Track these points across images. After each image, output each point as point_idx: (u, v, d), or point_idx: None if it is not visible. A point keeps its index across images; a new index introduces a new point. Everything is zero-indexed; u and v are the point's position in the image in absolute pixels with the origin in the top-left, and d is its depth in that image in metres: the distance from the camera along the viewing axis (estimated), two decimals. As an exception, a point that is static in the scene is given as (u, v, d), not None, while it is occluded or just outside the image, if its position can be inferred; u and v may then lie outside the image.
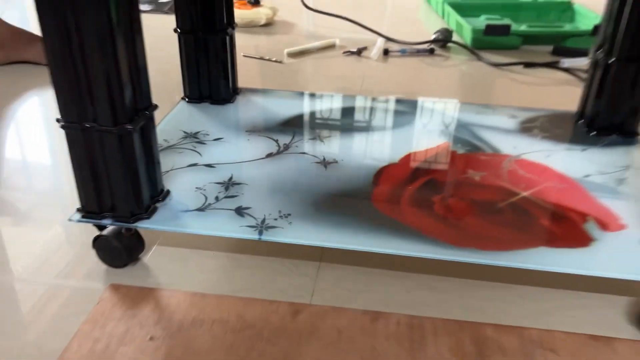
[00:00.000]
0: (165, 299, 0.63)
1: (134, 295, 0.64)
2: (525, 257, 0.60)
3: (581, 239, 0.62)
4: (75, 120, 0.57)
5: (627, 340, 0.59)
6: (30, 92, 1.20)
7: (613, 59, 0.80)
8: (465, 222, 0.65)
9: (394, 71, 1.33)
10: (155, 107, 0.62)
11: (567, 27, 1.54)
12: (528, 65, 1.35)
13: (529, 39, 1.49)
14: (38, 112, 1.13)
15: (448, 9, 1.66)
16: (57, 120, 0.58)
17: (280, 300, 0.64)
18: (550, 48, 1.46)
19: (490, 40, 1.45)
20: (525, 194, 0.70)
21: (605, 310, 0.64)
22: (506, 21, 1.54)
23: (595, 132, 0.85)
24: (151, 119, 0.62)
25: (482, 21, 1.57)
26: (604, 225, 0.65)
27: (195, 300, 0.63)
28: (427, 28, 1.65)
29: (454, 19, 1.60)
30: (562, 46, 1.44)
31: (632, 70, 0.80)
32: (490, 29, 1.44)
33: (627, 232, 0.64)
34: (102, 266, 0.69)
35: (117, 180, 0.60)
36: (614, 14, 0.79)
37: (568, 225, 0.65)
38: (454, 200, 0.69)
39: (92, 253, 0.68)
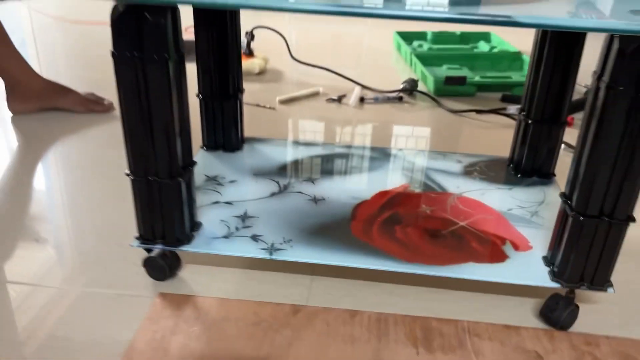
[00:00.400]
0: (201, 303, 0.86)
1: (178, 300, 0.87)
2: (459, 270, 0.84)
3: (499, 257, 0.88)
4: (142, 175, 0.80)
5: (530, 328, 0.84)
6: (65, 137, 1.42)
7: (530, 121, 1.06)
8: (417, 244, 0.90)
9: (368, 117, 1.59)
10: (195, 163, 0.86)
11: (514, 77, 1.82)
12: (479, 112, 1.62)
13: (482, 87, 1.77)
14: (73, 155, 1.35)
15: (414, 59, 1.93)
16: (127, 174, 0.81)
17: (285, 303, 0.87)
18: (499, 95, 1.74)
19: (449, 89, 1.73)
20: (462, 223, 0.95)
21: (519, 308, 0.89)
22: (464, 72, 1.82)
23: (520, 174, 1.11)
24: (192, 173, 0.85)
25: (444, 70, 1.85)
26: (516, 247, 0.90)
27: (222, 303, 0.86)
28: (397, 76, 1.92)
29: (419, 69, 1.88)
30: (509, 94, 1.72)
31: (545, 128, 1.06)
32: (449, 80, 1.72)
33: (533, 252, 0.89)
34: (150, 280, 0.92)
35: (169, 216, 0.84)
36: (531, 84, 1.06)
37: (491, 247, 0.90)
38: (410, 229, 0.94)
39: (142, 270, 0.91)
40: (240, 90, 1.12)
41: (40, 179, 1.24)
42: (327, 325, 0.83)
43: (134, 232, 0.87)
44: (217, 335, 0.80)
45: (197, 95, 1.11)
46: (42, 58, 2.04)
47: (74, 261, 0.97)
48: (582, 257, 0.80)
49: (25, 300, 0.87)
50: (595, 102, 0.73)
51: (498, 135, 1.50)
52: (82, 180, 1.22)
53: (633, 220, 0.77)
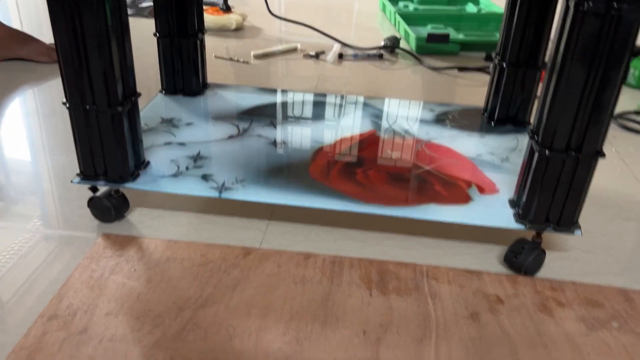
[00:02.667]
0: (146, 244, 0.82)
1: (121, 241, 0.82)
2: (419, 211, 0.80)
3: (463, 199, 0.83)
4: (78, 103, 0.75)
5: (493, 273, 0.80)
6: (25, 86, 1.36)
7: (505, 65, 1.01)
8: (378, 187, 0.85)
9: (346, 73, 1.53)
10: (139, 94, 0.80)
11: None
12: (462, 69, 1.56)
13: (467, 46, 1.70)
14: (33, 103, 1.29)
15: (398, 18, 1.86)
16: (63, 103, 0.76)
17: (236, 245, 0.83)
18: (484, 54, 1.68)
19: (432, 47, 1.66)
20: (427, 167, 0.90)
21: (483, 255, 0.85)
22: (448, 30, 1.75)
23: (494, 123, 1.06)
24: (136, 105, 0.80)
25: (428, 30, 1.78)
26: (482, 190, 0.85)
27: (169, 244, 0.82)
28: (380, 35, 1.85)
29: (402, 28, 1.81)
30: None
31: (520, 73, 1.01)
32: (431, 37, 1.65)
33: (499, 195, 0.84)
34: (95, 222, 0.87)
35: (110, 150, 0.78)
36: (505, 28, 1.00)
37: (455, 190, 0.85)
38: (372, 172, 0.89)
39: (88, 212, 0.86)
40: (201, 30, 1.06)
41: (-4, 127, 1.18)
42: (278, 267, 0.78)
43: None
44: (159, 275, 0.76)
45: (154, 34, 1.04)
46: (21, 6, 1.97)
47: (20, 201, 0.92)
48: (548, 196, 0.75)
49: (-39, 241, 0.83)
50: (564, 24, 0.68)
51: (480, 93, 1.44)
52: (40, 128, 1.17)
53: (602, 155, 0.72)
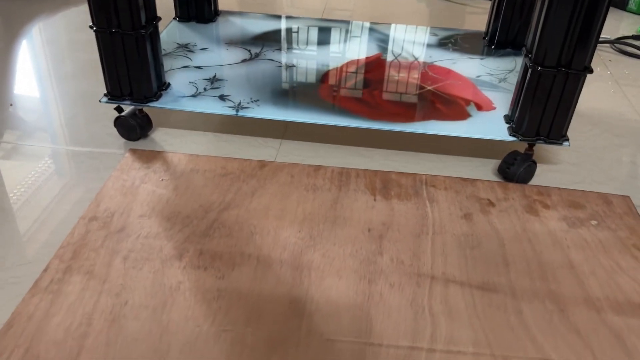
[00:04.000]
0: (170, 157, 0.90)
1: (148, 155, 0.90)
2: (421, 126, 0.87)
3: (462, 115, 0.89)
4: (105, 27, 0.81)
5: (486, 181, 0.88)
6: (44, 16, 1.41)
7: (506, -12, 1.05)
8: (383, 105, 0.91)
9: (351, 6, 1.56)
10: (159, 18, 0.86)
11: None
12: (466, -4, 1.59)
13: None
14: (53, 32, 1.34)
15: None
16: (91, 27, 0.82)
17: (252, 159, 0.90)
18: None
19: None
20: (429, 87, 0.97)
21: (479, 168, 0.92)
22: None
23: (494, 46, 1.10)
24: (157, 28, 0.86)
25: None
26: (480, 107, 0.92)
27: (191, 158, 0.90)
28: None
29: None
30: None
31: (520, -3, 1.05)
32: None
33: (496, 112, 0.91)
34: (122, 140, 0.94)
35: (134, 71, 0.85)
36: (508, -48, 1.03)
37: (455, 107, 0.92)
38: (377, 92, 0.95)
39: (114, 131, 0.94)
40: (212, -42, 1.10)
41: (18, 55, 1.24)
42: (291, 177, 0.86)
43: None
44: (184, 184, 0.84)
45: (168, -38, 1.08)
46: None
47: (48, 123, 0.99)
48: (539, 110, 0.82)
49: (7, 158, 0.91)
50: (556, -56, 0.72)
51: (482, 20, 1.47)
52: (59, 56, 1.23)
53: (590, 71, 0.78)
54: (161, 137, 0.96)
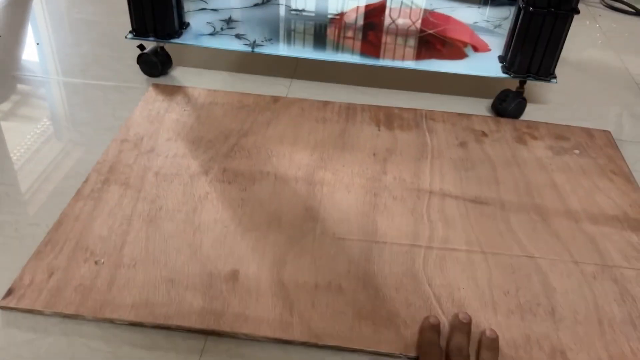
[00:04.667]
0: (190, 92, 0.97)
1: (170, 89, 0.97)
2: (423, 64, 0.94)
3: (459, 55, 0.97)
4: (132, -36, 0.87)
5: (480, 115, 0.96)
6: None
7: (503, -60, 1.11)
8: (388, 46, 0.99)
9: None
10: (181, -40, 0.92)
11: None
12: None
13: None
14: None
15: None
16: (119, -34, 0.88)
17: (266, 95, 0.98)
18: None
19: None
20: (430, 31, 1.04)
21: (474, 104, 1.00)
22: None
23: (490, -4, 1.18)
24: (178, -31, 0.92)
25: None
26: (476, 49, 0.99)
27: (210, 93, 0.97)
28: None
29: None
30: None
31: (516, -51, 1.11)
32: None
33: (491, 53, 0.99)
34: (144, 76, 1.02)
35: (159, 9, 0.92)
36: None
37: (453, 49, 0.99)
38: (382, 34, 1.02)
39: (137, 68, 1.01)
40: None
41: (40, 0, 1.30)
42: (302, 110, 0.94)
43: (128, 40, 0.96)
44: (205, 114, 0.92)
45: None
46: None
47: (74, 61, 1.06)
48: (530, 49, 0.89)
49: (36, 89, 0.98)
50: None
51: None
52: (81, 0, 1.29)
53: (577, 12, 0.86)
54: (180, 75, 1.03)
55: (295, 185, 0.78)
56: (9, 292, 0.62)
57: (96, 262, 0.65)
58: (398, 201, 0.77)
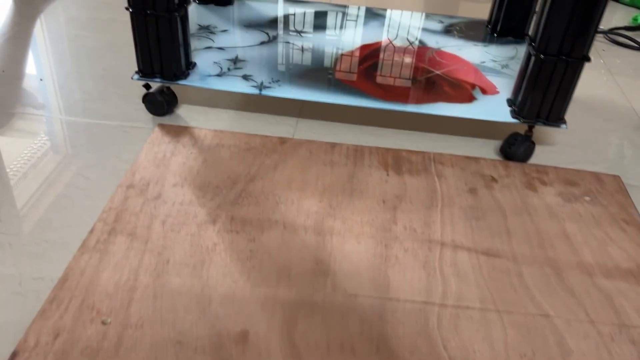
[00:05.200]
0: (197, 132, 0.96)
1: (176, 129, 0.96)
2: (430, 108, 0.94)
3: (468, 98, 0.97)
4: (140, 8, 0.86)
5: (489, 159, 0.95)
6: (58, -5, 1.45)
7: (510, -20, 1.11)
8: (395, 87, 0.98)
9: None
10: (190, 1, 0.91)
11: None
12: (468, -15, 1.65)
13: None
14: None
15: None
16: (127, 8, 0.87)
17: (273, 136, 0.97)
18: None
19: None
20: (437, 72, 1.03)
21: (483, 147, 1.00)
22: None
23: (496, 34, 1.17)
24: (187, 10, 0.91)
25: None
26: (484, 91, 0.99)
27: (216, 134, 0.96)
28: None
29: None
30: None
31: (523, -12, 1.12)
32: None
33: (499, 95, 0.98)
34: (150, 115, 1.00)
35: (166, 51, 0.91)
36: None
37: (461, 91, 0.99)
38: (389, 75, 1.02)
39: (142, 107, 1.00)
40: (231, -57, 1.15)
41: (42, 32, 1.28)
42: (310, 153, 0.93)
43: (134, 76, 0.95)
44: (212, 157, 0.91)
45: (190, -53, 1.13)
46: None
47: (77, 98, 1.05)
48: (540, 95, 0.89)
49: (38, 128, 0.96)
50: (562, -58, 0.79)
51: (484, 9, 1.54)
52: (79, 35, 1.28)
53: (588, 60, 0.86)
54: (186, 114, 1.02)
55: (304, 235, 0.77)
56: (14, 355, 0.60)
57: (103, 322, 0.63)
58: (409, 253, 0.76)
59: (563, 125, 0.92)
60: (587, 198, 0.88)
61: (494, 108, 0.94)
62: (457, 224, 0.81)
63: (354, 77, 1.00)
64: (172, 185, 0.84)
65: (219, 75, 0.97)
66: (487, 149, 0.99)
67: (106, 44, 1.24)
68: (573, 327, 0.67)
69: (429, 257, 0.75)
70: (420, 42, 1.13)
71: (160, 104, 0.98)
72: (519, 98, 0.91)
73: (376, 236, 0.78)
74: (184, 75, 0.95)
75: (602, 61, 1.32)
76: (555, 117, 0.91)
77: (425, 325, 0.66)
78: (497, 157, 0.97)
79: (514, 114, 0.93)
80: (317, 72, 1.01)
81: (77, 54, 1.20)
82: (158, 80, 0.94)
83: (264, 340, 0.63)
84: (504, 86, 1.00)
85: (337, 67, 1.02)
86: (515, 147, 0.94)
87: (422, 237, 0.78)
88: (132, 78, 0.94)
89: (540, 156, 0.98)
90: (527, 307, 0.69)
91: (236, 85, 0.95)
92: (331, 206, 0.82)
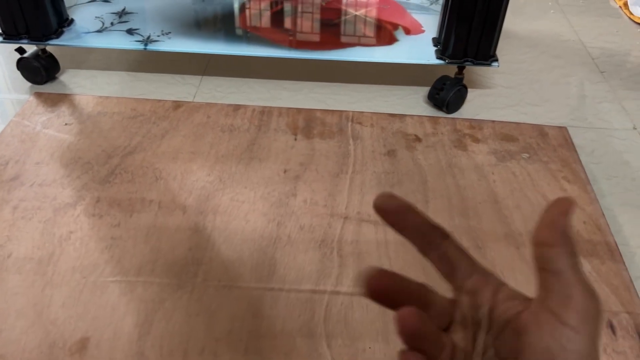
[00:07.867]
0: (77, 100, 0.83)
1: (53, 98, 0.83)
2: (343, 53, 0.80)
3: (389, 40, 0.83)
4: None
5: (416, 116, 0.82)
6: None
7: None
8: (307, 33, 0.85)
9: None
10: (50, -56, 0.77)
11: None
12: None
13: None
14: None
15: None
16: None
17: (167, 99, 0.84)
18: None
19: None
20: (356, 13, 0.90)
21: (410, 96, 0.87)
22: None
23: (434, -29, 1.03)
24: (48, -45, 0.77)
25: None
26: (408, 31, 0.85)
27: (100, 100, 0.83)
28: None
29: None
30: None
31: None
32: None
33: (424, 35, 0.85)
34: (28, 84, 0.87)
35: (28, 7, 0.77)
36: None
37: (381, 32, 0.85)
38: (301, 20, 0.88)
39: (19, 75, 0.86)
40: None
41: None
42: (207, 118, 0.80)
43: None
44: (89, 128, 0.78)
45: None
46: None
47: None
48: (465, 30, 0.75)
49: None
50: None
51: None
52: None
53: (520, -11, 0.72)
54: (71, 79, 0.89)
55: (181, 217, 0.65)
56: None
57: None
58: (305, 231, 0.64)
59: (495, 64, 0.79)
60: (525, 155, 0.75)
61: (417, 50, 0.81)
62: (367, 194, 0.69)
63: (261, 24, 0.86)
64: (35, 163, 0.72)
65: (99, 31, 0.83)
66: (415, 98, 0.86)
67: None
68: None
69: (327, 235, 0.63)
70: (346, -17, 0.99)
71: (36, 70, 0.85)
72: (443, 35, 0.78)
73: (269, 213, 0.66)
74: (56, 34, 0.81)
75: (557, -3, 1.17)
76: (485, 55, 0.78)
77: (309, 320, 0.55)
78: (426, 106, 0.84)
79: (439, 54, 0.79)
80: (218, 21, 0.87)
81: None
82: (25, 41, 0.81)
83: (107, 351, 0.52)
84: (431, 24, 0.87)
85: (241, 15, 0.89)
86: (445, 93, 0.81)
87: (324, 210, 0.66)
88: (-7, 40, 0.81)
89: (474, 101, 0.85)
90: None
91: (117, 41, 0.81)
92: (221, 180, 0.70)
